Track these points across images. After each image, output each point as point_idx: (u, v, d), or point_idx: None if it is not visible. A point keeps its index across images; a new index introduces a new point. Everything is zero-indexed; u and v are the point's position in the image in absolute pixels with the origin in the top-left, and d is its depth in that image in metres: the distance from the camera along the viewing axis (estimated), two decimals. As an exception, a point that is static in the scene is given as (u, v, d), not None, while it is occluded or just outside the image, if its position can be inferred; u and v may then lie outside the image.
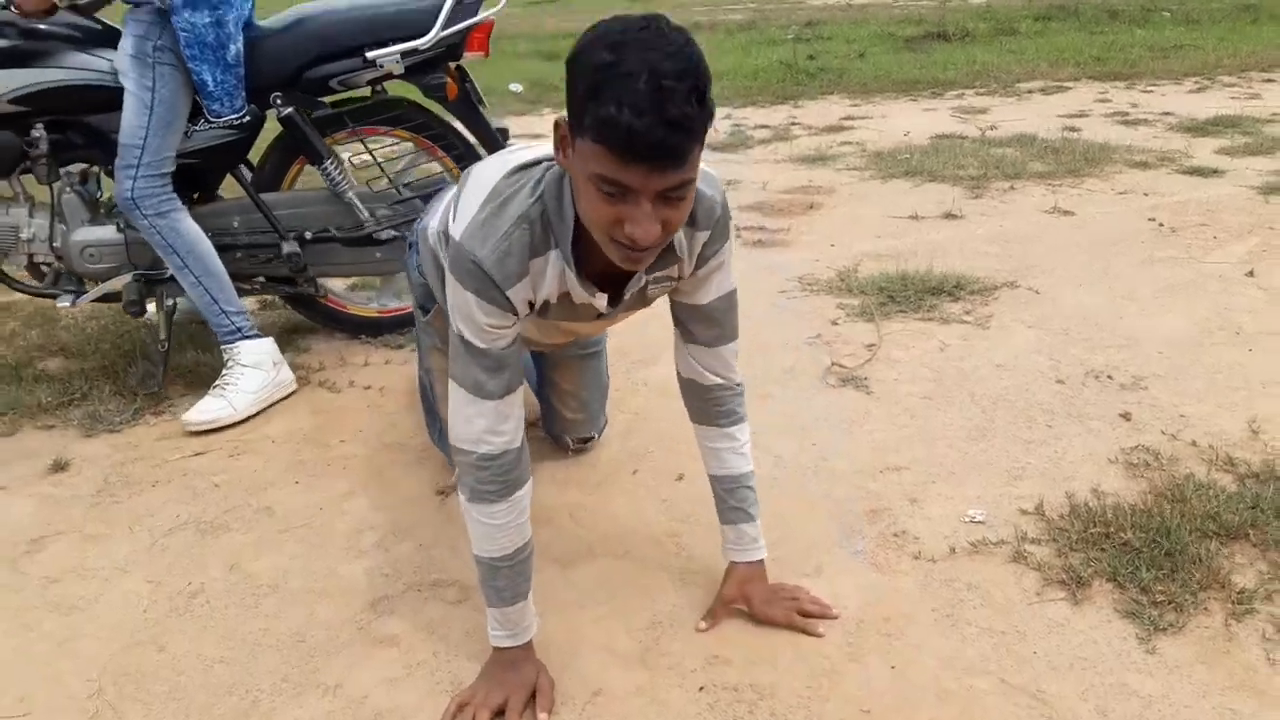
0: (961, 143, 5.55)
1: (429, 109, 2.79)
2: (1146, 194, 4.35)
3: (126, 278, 2.56)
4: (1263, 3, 12.62)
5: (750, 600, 1.70)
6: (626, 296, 1.52)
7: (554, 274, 1.43)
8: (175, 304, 2.60)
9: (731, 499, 1.70)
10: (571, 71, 1.22)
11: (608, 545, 1.95)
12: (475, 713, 1.50)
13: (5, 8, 2.28)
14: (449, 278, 1.42)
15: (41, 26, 2.37)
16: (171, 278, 2.55)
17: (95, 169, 2.62)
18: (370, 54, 2.55)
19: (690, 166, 1.21)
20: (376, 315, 3.02)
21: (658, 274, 1.52)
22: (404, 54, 2.56)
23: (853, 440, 2.32)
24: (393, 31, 2.57)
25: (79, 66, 2.38)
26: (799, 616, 1.68)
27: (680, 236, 1.46)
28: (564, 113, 1.26)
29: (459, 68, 2.73)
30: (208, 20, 2.34)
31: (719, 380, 1.65)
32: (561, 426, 2.26)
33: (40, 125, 2.41)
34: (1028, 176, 4.71)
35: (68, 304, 2.59)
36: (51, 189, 2.54)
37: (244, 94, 2.48)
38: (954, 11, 13.61)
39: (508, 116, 6.27)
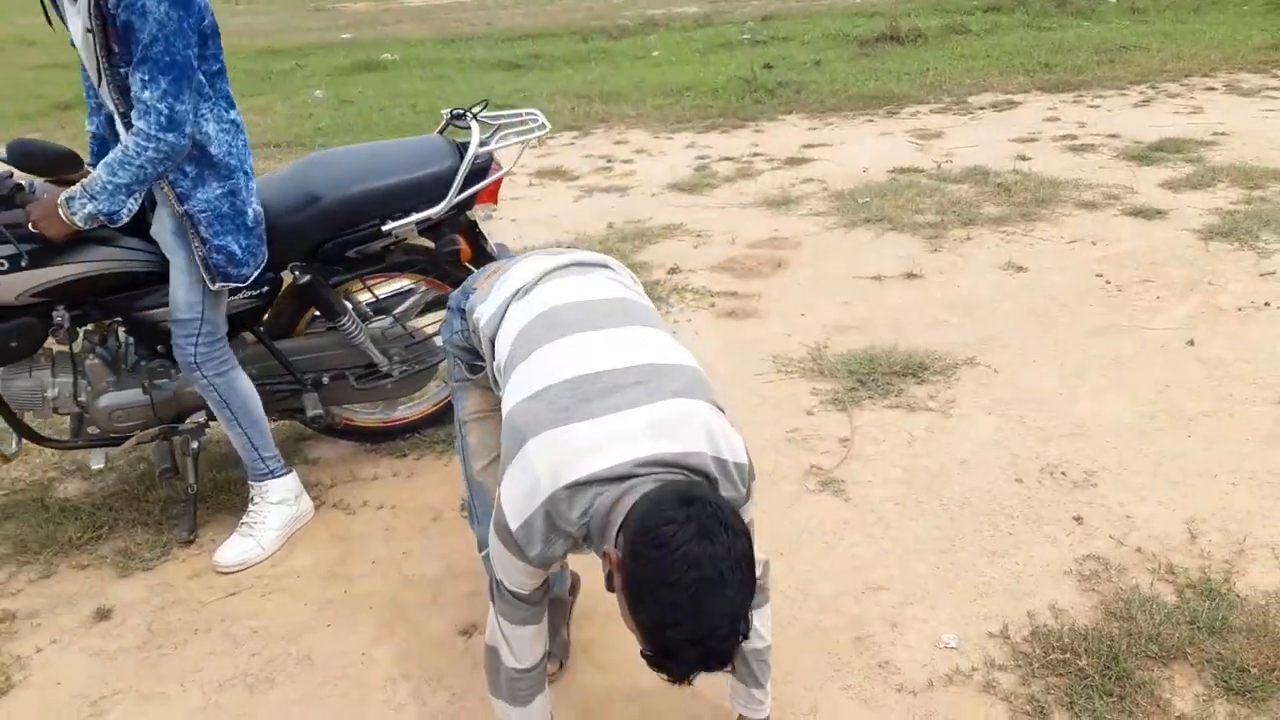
0: (918, 179, 5.78)
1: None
2: (1094, 242, 4.61)
3: (154, 430, 2.69)
4: (1203, -13, 12.96)
5: (755, 755, 1.93)
6: None
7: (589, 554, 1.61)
8: (200, 447, 2.74)
9: (744, 667, 1.89)
10: (629, 580, 1.35)
11: (623, 688, 2.17)
12: None
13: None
14: (493, 536, 1.59)
15: None
16: (196, 427, 2.70)
17: (112, 322, 2.70)
18: (386, 226, 2.66)
19: None
20: (380, 425, 3.19)
21: None
22: (418, 222, 2.69)
23: (834, 557, 2.56)
24: (410, 201, 2.68)
25: (100, 258, 2.44)
26: (799, 767, 1.91)
27: None
28: (613, 547, 1.40)
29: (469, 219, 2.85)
30: (219, 192, 2.40)
31: None
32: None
33: (62, 308, 2.47)
34: (982, 223, 4.95)
35: (101, 465, 2.72)
36: (71, 347, 2.62)
37: (265, 251, 2.53)
38: (907, 2, 13.82)
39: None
